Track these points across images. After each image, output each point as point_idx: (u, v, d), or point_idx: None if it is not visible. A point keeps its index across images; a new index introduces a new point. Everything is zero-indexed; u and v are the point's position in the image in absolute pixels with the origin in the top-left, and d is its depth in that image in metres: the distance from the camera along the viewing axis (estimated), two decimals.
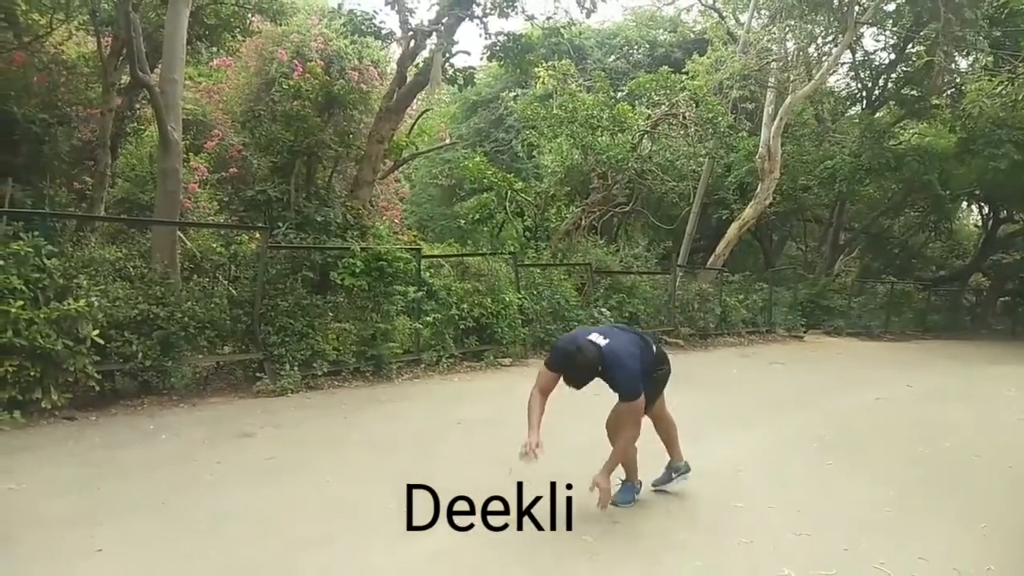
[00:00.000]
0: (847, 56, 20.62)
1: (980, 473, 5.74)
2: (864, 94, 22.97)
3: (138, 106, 11.00)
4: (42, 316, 5.77)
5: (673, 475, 4.67)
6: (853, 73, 22.86)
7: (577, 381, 3.95)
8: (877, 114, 21.95)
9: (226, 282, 8.57)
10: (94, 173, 9.40)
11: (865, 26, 18.41)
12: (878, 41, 22.24)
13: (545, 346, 11.19)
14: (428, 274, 10.26)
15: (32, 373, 5.74)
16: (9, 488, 4.27)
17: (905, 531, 4.28)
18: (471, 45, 57.41)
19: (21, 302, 5.67)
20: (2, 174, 9.27)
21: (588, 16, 12.16)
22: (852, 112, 23.89)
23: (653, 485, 4.64)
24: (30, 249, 5.94)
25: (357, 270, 8.65)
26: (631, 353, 4.07)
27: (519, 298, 10.87)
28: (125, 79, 9.80)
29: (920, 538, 4.16)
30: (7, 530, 3.67)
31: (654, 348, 4.37)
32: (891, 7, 19.23)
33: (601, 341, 4.04)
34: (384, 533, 3.86)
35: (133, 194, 10.51)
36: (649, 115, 16.77)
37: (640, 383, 4.03)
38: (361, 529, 3.90)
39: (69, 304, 5.97)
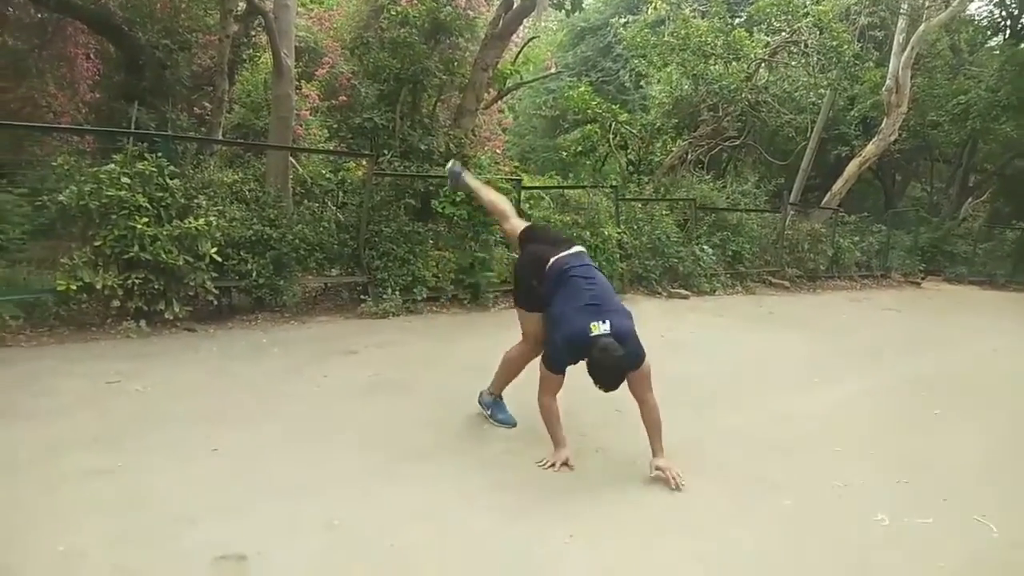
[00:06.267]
0: None
1: None
2: (1008, 23, 20.85)
3: (253, 33, 11.35)
4: (165, 233, 6.14)
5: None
6: None
7: (608, 385, 3.52)
8: (1022, 45, 19.95)
9: (334, 207, 8.84)
10: (212, 98, 9.81)
11: None
12: None
13: (643, 282, 11.07)
14: (528, 205, 10.22)
15: (156, 286, 6.15)
16: (136, 389, 4.64)
17: (1013, 486, 4.04)
18: None
19: (146, 219, 6.03)
20: (129, 97, 9.85)
21: None
22: (993, 43, 21.79)
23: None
24: (154, 169, 6.26)
25: (458, 199, 8.72)
26: (628, 314, 3.73)
27: (618, 232, 10.71)
28: (241, 6, 10.07)
29: None
30: (135, 426, 4.01)
31: None
32: None
33: (604, 327, 3.53)
34: (480, 456, 3.96)
35: (248, 120, 10.95)
36: (768, 43, 15.85)
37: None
38: (458, 447, 4.04)
39: (190, 222, 6.32)
